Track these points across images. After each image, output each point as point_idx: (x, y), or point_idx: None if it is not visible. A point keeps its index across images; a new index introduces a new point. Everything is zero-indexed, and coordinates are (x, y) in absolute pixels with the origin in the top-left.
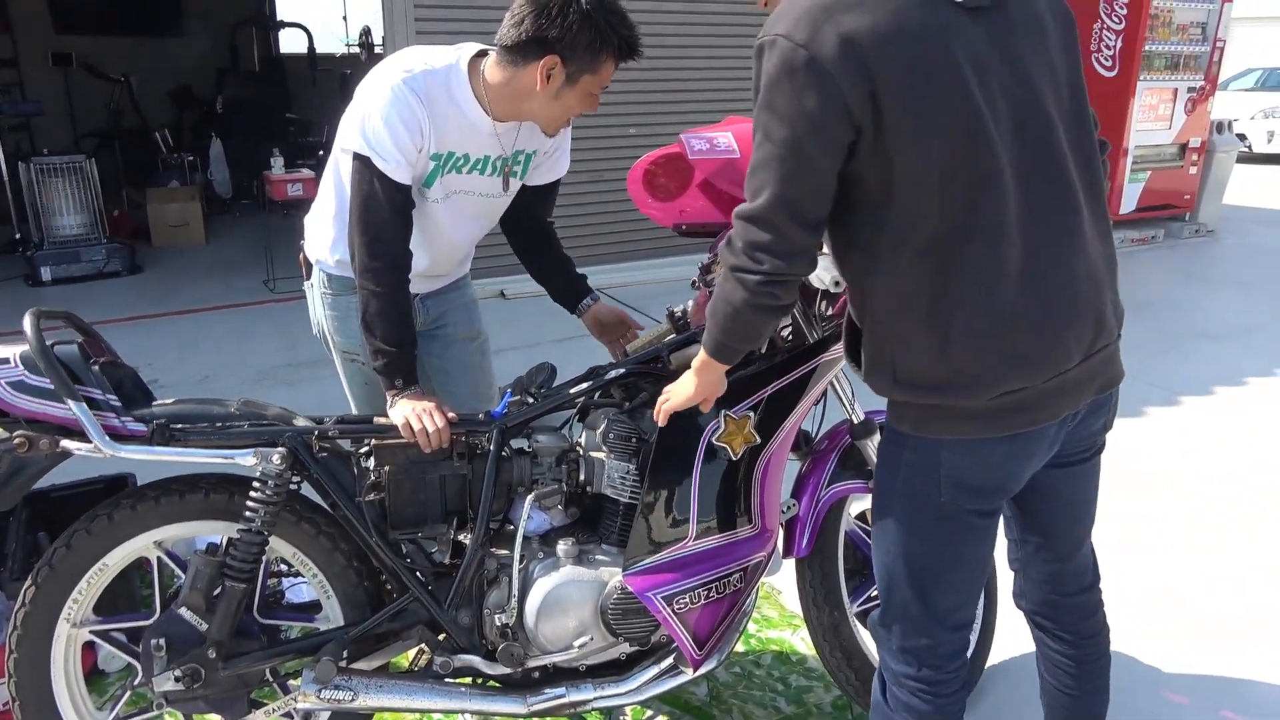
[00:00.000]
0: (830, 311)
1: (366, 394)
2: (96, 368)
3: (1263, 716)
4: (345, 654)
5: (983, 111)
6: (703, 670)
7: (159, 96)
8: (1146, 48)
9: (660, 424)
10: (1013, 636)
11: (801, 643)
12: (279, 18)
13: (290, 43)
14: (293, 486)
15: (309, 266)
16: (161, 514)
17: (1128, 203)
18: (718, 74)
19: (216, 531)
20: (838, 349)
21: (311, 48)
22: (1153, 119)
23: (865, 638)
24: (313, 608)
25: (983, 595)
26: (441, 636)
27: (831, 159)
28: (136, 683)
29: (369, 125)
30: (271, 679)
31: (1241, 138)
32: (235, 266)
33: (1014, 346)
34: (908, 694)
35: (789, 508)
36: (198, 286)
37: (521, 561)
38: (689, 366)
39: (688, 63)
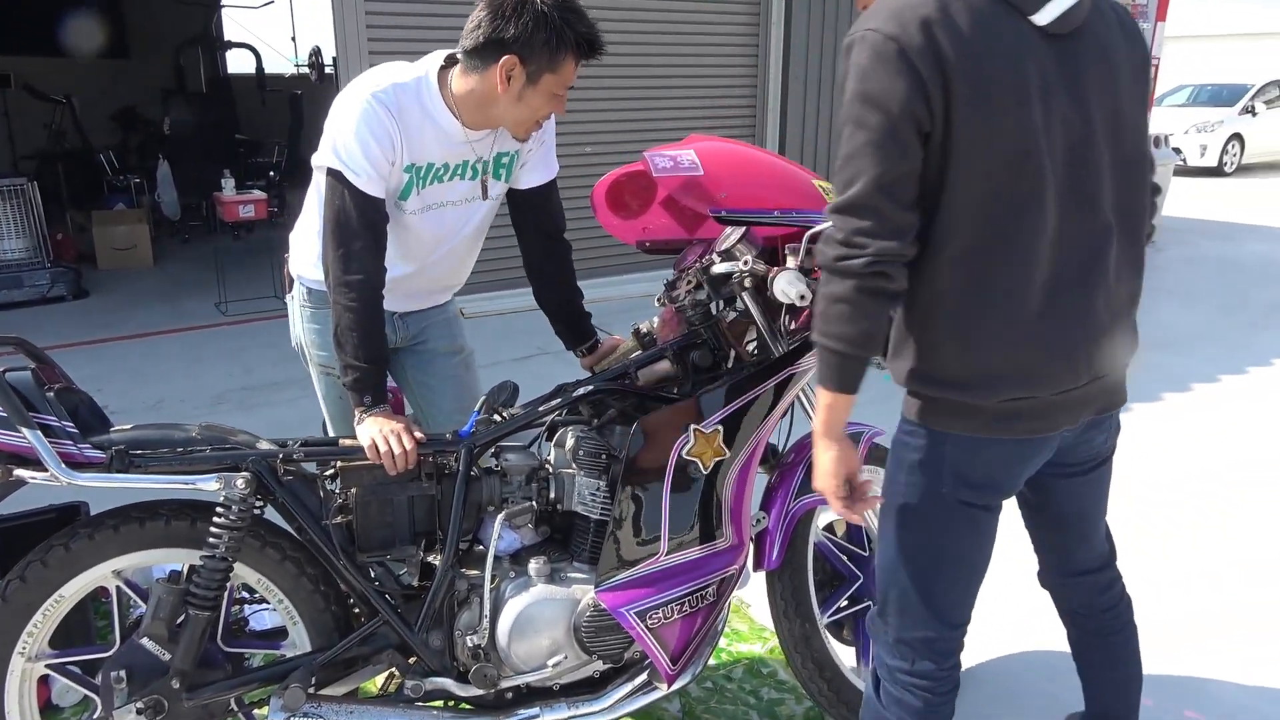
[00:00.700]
0: (794, 326)
1: (341, 409)
2: (51, 394)
3: (1224, 717)
4: (313, 680)
5: (1039, 134)
6: (677, 685)
7: (103, 118)
8: None
9: (855, 516)
10: (982, 642)
11: (772, 655)
12: (226, 38)
13: (238, 63)
14: (256, 511)
15: (292, 281)
16: (121, 542)
17: None
18: (676, 93)
19: (178, 559)
20: (803, 362)
21: (260, 68)
22: None
23: (836, 648)
24: (278, 634)
25: None
26: (412, 660)
27: (919, 143)
28: (95, 717)
29: (340, 141)
30: (237, 708)
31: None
32: (185, 289)
33: (1028, 360)
34: (901, 689)
35: (758, 521)
36: (147, 310)
37: (493, 581)
38: (657, 382)
39: (646, 82)
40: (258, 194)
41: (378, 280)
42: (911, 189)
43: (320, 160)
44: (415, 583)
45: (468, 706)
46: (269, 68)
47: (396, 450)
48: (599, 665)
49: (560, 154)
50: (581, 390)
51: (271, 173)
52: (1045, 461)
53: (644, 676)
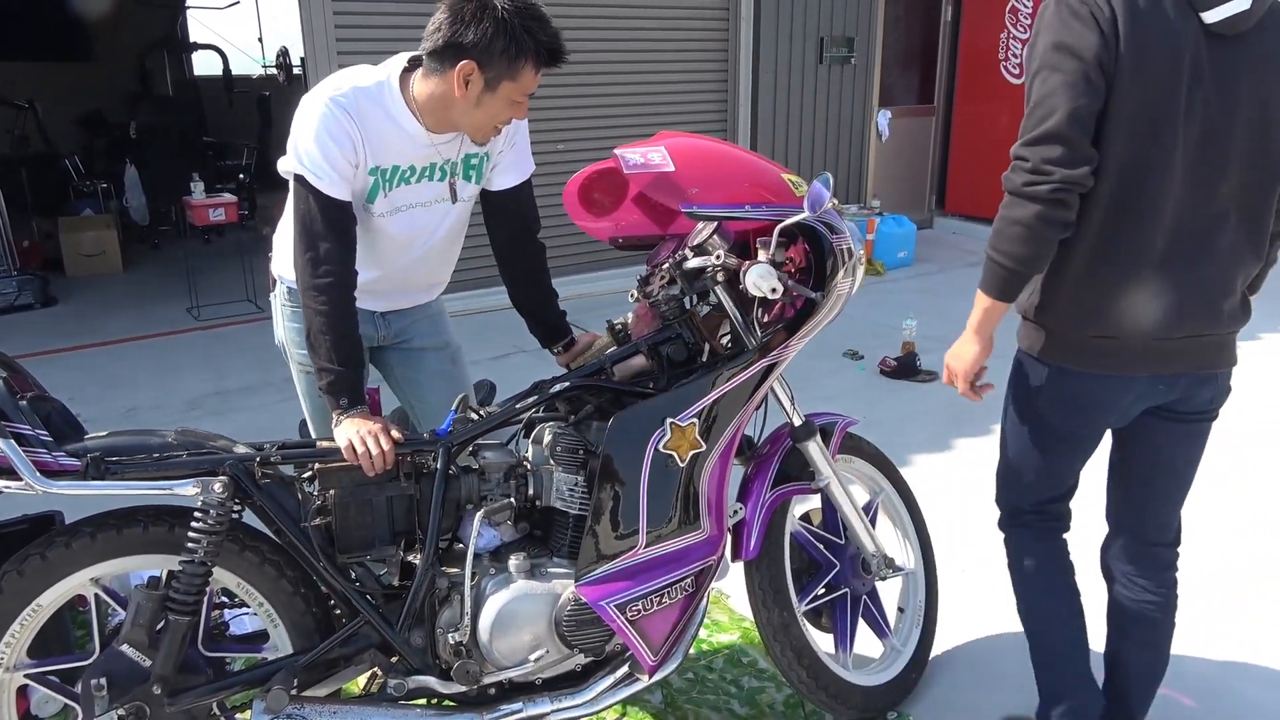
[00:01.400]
0: (766, 318)
1: (321, 407)
2: (24, 402)
3: (1192, 690)
4: (296, 682)
5: (1179, 114)
6: (658, 676)
7: (67, 123)
8: None
9: (973, 397)
10: (963, 625)
11: (751, 644)
12: (192, 40)
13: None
14: (234, 515)
15: (275, 281)
16: (98, 550)
17: None
18: (646, 90)
19: (156, 565)
20: (777, 354)
21: (227, 70)
22: None
23: (814, 635)
24: (259, 637)
25: (924, 594)
26: (394, 659)
27: (1104, 87)
28: None
29: (302, 146)
30: (219, 713)
31: None
32: (156, 295)
33: (1129, 305)
34: (1012, 535)
35: (735, 512)
36: (117, 317)
37: (473, 579)
38: (632, 377)
39: (616, 79)
40: (228, 197)
41: (347, 282)
42: (1093, 125)
43: (285, 166)
44: (396, 582)
45: (451, 704)
46: (236, 69)
47: (374, 451)
48: (581, 659)
49: (532, 151)
50: (558, 387)
51: (241, 175)
52: (1150, 407)
53: (625, 669)
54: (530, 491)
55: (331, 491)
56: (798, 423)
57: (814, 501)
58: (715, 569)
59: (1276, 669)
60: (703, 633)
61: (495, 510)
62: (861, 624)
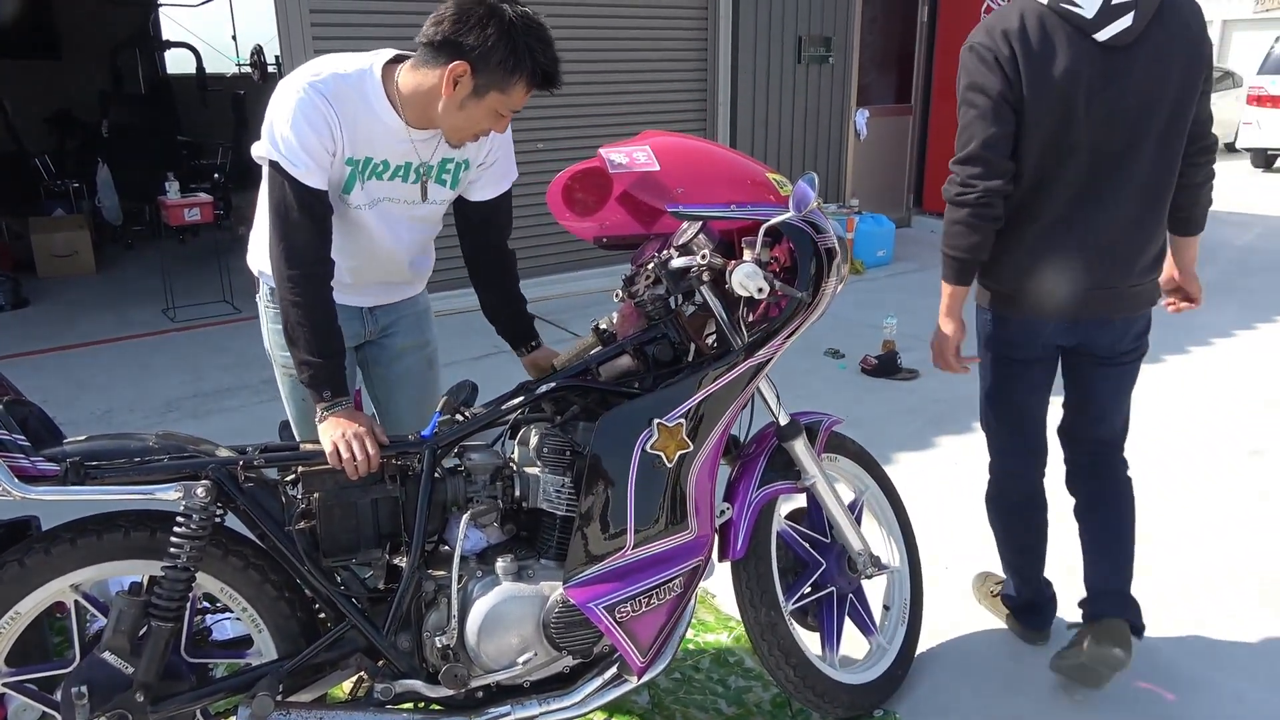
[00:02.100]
0: (752, 318)
1: (304, 410)
2: (0, 407)
3: (1173, 684)
4: (281, 688)
5: (1078, 116)
6: (647, 677)
7: (37, 121)
8: None
9: (960, 368)
10: (946, 620)
11: (738, 644)
12: (164, 38)
13: (178, 63)
14: (217, 519)
15: (258, 281)
16: (78, 556)
17: None
18: (626, 89)
19: (137, 571)
20: (763, 354)
21: (200, 68)
22: None
23: (801, 635)
24: (243, 643)
25: (909, 591)
26: (381, 663)
27: (1012, 116)
28: None
29: (278, 131)
30: (203, 719)
31: None
32: (130, 296)
33: (1046, 267)
34: (994, 478)
35: (722, 512)
36: (91, 318)
37: (460, 582)
38: (618, 377)
39: (596, 78)
40: (203, 197)
41: (324, 272)
42: (1008, 146)
43: (259, 151)
44: (381, 586)
45: (438, 707)
46: (210, 67)
47: (359, 455)
48: (569, 661)
49: (516, 152)
50: (544, 387)
51: (216, 175)
52: (1072, 350)
53: (614, 670)
54: (517, 493)
55: (315, 495)
56: (784, 422)
57: (800, 500)
58: (703, 569)
59: (1258, 663)
60: (689, 632)
61: (481, 512)
62: (847, 622)
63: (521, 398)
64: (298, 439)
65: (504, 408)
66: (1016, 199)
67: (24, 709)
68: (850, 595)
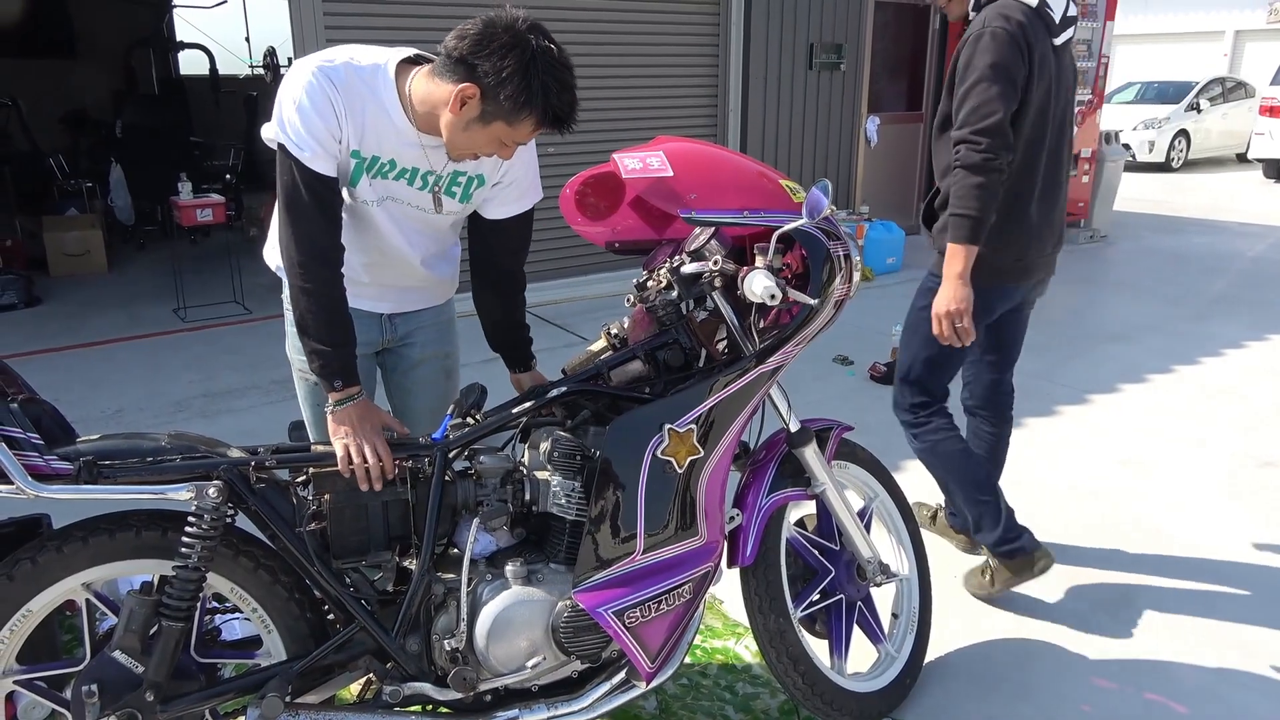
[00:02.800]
0: (763, 324)
1: (320, 416)
2: (15, 405)
3: (1183, 697)
4: (290, 689)
5: (1050, 103)
6: (655, 683)
7: (51, 121)
8: None
9: (966, 335)
10: (955, 631)
11: (746, 650)
12: (178, 39)
13: (191, 64)
14: (228, 520)
15: (281, 281)
16: (90, 555)
17: None
18: (636, 95)
19: (148, 570)
20: (774, 360)
21: (214, 69)
22: None
23: (810, 642)
24: (252, 643)
25: (919, 600)
26: (389, 665)
27: (1018, 99)
28: None
29: (285, 113)
30: (212, 719)
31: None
32: (142, 296)
33: (1037, 234)
34: (931, 421)
35: (732, 518)
36: (103, 317)
37: (469, 585)
38: (629, 382)
39: (606, 84)
40: (216, 198)
41: (333, 258)
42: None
43: (268, 134)
44: (391, 588)
45: (446, 710)
46: (223, 69)
47: (371, 461)
48: (577, 665)
49: None
50: (554, 392)
51: (228, 175)
52: (1015, 306)
53: (622, 675)
54: (527, 497)
55: (326, 496)
56: (794, 428)
57: (809, 507)
58: (712, 575)
59: (1268, 675)
60: (697, 639)
61: (491, 516)
62: (856, 630)
63: (532, 401)
64: (313, 441)
65: (515, 411)
66: (1010, 174)
67: (33, 706)
68: (859, 603)
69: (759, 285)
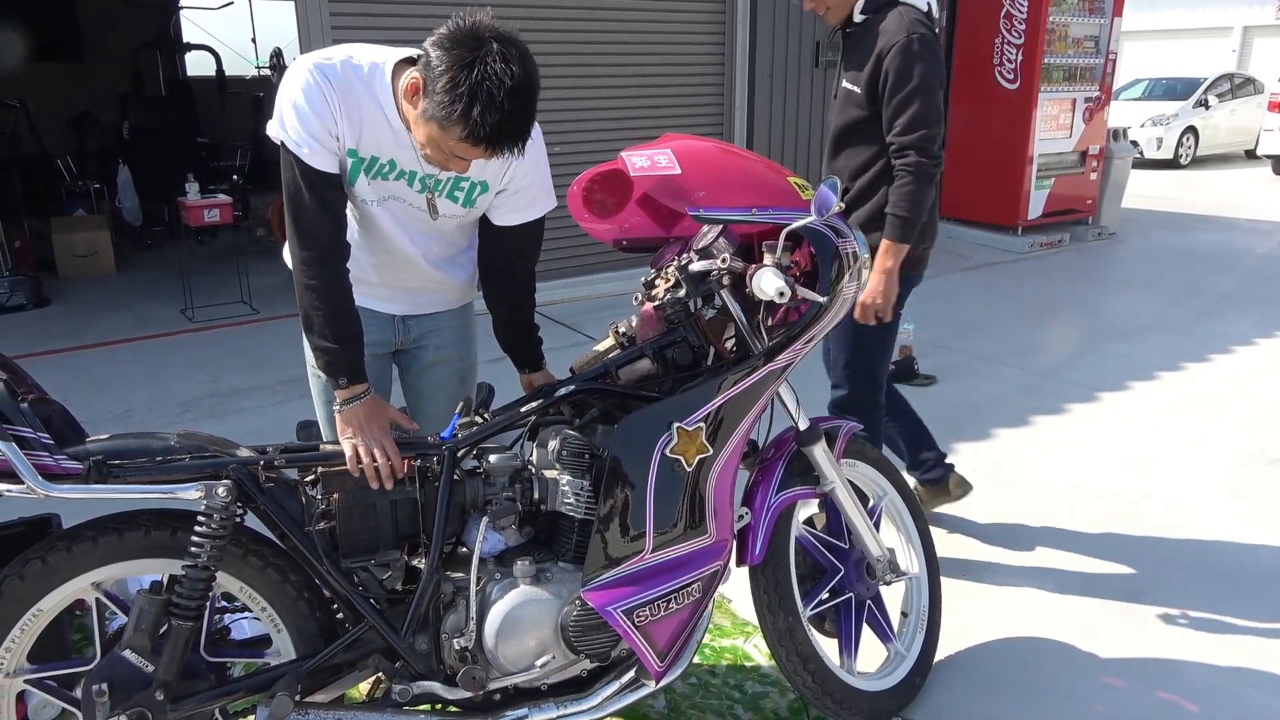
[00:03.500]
0: (772, 322)
1: (331, 415)
2: (25, 405)
3: (1194, 695)
4: (299, 688)
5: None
6: (664, 682)
7: (59, 123)
8: (1045, 60)
9: (878, 320)
10: (960, 632)
11: (755, 649)
12: (185, 40)
13: (198, 66)
14: (238, 519)
15: None
16: (100, 554)
17: (1035, 208)
18: (642, 93)
19: (158, 569)
20: (782, 358)
21: (220, 70)
22: (1054, 128)
23: (819, 641)
24: (262, 643)
25: (928, 598)
26: (399, 664)
27: None
28: None
29: (284, 110)
30: (222, 719)
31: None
32: (150, 296)
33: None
34: (877, 415)
35: (741, 517)
36: (110, 318)
37: (478, 584)
38: (638, 381)
39: (611, 82)
40: (223, 198)
41: (338, 255)
42: None
43: (270, 131)
44: (400, 587)
45: (455, 709)
46: (229, 70)
47: (380, 461)
48: (586, 664)
49: None
50: (563, 390)
51: (235, 176)
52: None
53: (631, 674)
54: (535, 496)
55: (335, 495)
56: (803, 427)
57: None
58: (721, 574)
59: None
60: (706, 638)
61: (500, 514)
62: (866, 629)
63: (540, 400)
64: (325, 440)
65: (523, 410)
66: None
67: (44, 705)
68: (869, 601)
69: (768, 283)
